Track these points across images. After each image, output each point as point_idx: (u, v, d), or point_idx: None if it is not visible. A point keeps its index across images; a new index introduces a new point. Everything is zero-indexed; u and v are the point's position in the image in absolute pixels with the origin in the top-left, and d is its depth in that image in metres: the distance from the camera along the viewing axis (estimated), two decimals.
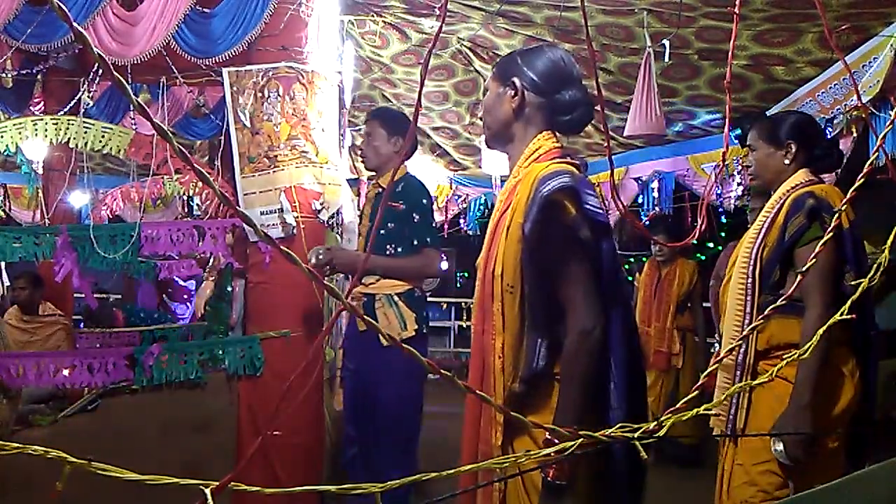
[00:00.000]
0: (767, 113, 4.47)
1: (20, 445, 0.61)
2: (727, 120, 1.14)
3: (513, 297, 1.40)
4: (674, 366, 4.44)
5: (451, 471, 0.80)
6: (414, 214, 2.72)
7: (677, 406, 0.89)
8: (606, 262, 1.43)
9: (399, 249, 2.72)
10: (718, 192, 5.33)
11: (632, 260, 6.53)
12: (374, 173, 2.99)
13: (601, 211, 1.41)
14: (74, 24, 0.54)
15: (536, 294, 1.40)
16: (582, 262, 1.39)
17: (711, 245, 8.06)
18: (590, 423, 1.29)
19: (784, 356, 1.85)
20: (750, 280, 1.96)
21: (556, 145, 1.51)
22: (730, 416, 1.96)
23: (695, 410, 0.92)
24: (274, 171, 2.95)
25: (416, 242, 2.73)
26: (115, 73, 0.55)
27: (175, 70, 3.31)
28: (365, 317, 0.80)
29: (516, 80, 1.53)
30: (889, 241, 0.91)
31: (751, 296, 1.95)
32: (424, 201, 2.79)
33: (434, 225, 2.81)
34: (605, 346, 1.37)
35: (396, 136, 2.84)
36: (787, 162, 2.04)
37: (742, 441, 1.91)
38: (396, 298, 2.69)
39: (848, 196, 1.00)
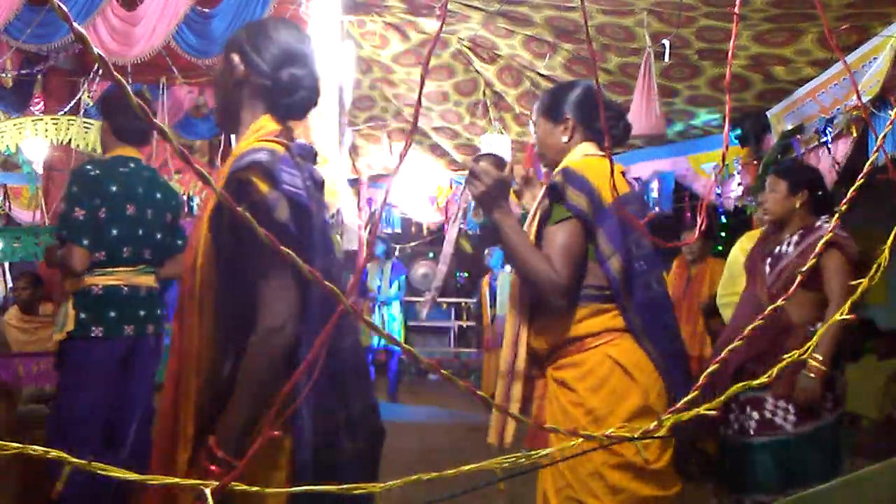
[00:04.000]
0: (767, 113, 4.48)
1: (20, 445, 0.61)
2: (727, 120, 1.14)
3: (210, 292, 1.27)
4: None
5: (452, 471, 0.80)
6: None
7: (677, 406, 0.89)
8: (309, 251, 1.24)
9: None
10: (718, 191, 5.33)
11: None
12: None
13: (302, 192, 1.24)
14: (74, 24, 0.54)
15: (226, 288, 1.26)
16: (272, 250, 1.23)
17: (721, 249, 8.06)
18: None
19: (567, 356, 1.66)
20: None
21: (278, 127, 1.35)
22: (501, 431, 1.74)
23: (694, 411, 0.92)
24: None
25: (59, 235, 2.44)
26: (115, 73, 0.55)
27: (175, 70, 3.31)
28: (365, 317, 0.80)
29: (235, 56, 1.38)
30: (889, 241, 0.91)
31: (521, 290, 1.75)
32: (75, 189, 2.42)
33: (72, 215, 2.37)
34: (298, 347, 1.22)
35: (107, 120, 2.58)
36: (565, 139, 1.82)
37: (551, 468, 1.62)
38: (71, 296, 2.41)
39: (848, 196, 1.00)
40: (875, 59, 3.16)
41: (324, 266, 1.28)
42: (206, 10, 3.13)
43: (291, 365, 1.20)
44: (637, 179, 6.16)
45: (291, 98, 1.38)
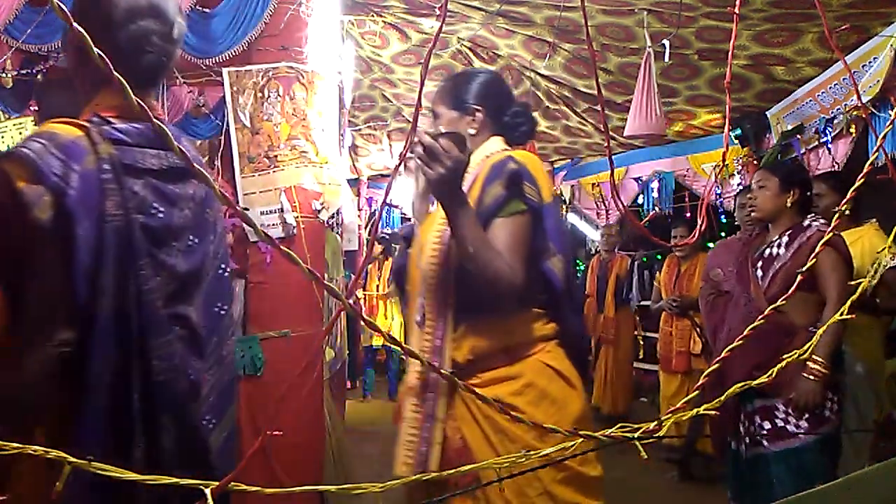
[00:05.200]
0: (767, 113, 4.48)
1: (20, 445, 0.61)
2: (727, 120, 1.14)
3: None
4: (696, 369, 4.18)
5: (451, 471, 0.80)
6: None
7: (677, 406, 0.89)
8: (88, 255, 1.06)
9: None
10: (718, 191, 5.34)
11: (644, 259, 6.46)
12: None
13: (71, 187, 1.06)
14: (74, 24, 0.54)
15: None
16: (33, 256, 1.05)
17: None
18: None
19: (496, 368, 1.50)
20: (444, 270, 1.53)
21: (115, 102, 1.18)
22: (418, 456, 1.49)
23: (694, 411, 0.92)
24: (274, 171, 2.95)
25: None
26: (115, 72, 0.54)
27: (175, 70, 3.31)
28: (365, 317, 0.80)
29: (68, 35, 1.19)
30: (889, 241, 0.91)
31: (443, 289, 1.53)
32: None
33: None
34: (67, 366, 1.04)
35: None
36: (472, 132, 1.64)
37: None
38: None
39: (848, 196, 1.00)
40: (875, 59, 3.16)
41: (120, 269, 1.09)
42: (206, 10, 3.13)
43: (71, 381, 1.06)
44: (637, 179, 6.17)
45: (134, 63, 1.15)
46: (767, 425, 2.40)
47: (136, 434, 1.12)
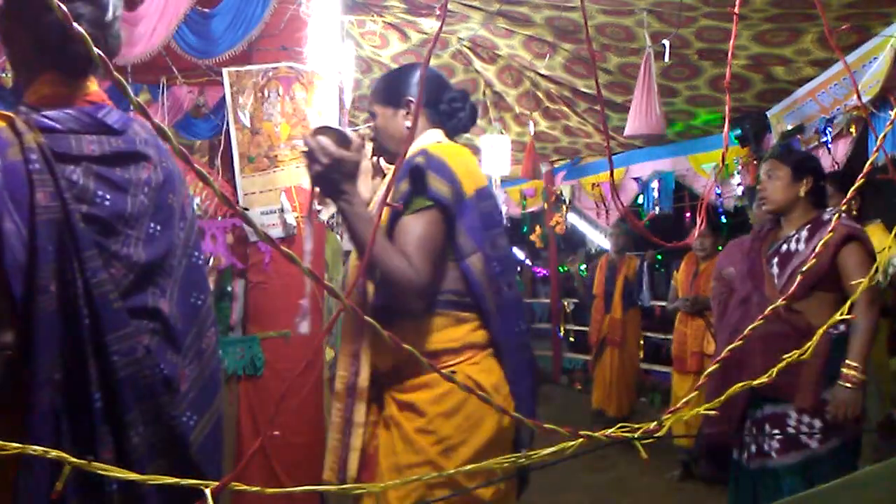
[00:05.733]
0: (767, 113, 4.48)
1: (20, 445, 0.61)
2: (727, 120, 1.14)
3: None
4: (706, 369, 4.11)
5: (452, 471, 0.79)
6: None
7: (678, 406, 0.89)
8: (20, 252, 1.01)
9: None
10: (718, 191, 5.34)
11: (659, 258, 6.40)
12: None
13: None
14: (74, 24, 0.54)
15: None
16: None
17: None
18: None
19: (417, 375, 1.42)
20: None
21: (54, 91, 1.16)
22: (340, 462, 1.44)
23: (694, 410, 0.91)
24: (274, 171, 2.96)
25: None
26: (115, 73, 0.54)
27: (175, 70, 3.31)
28: (366, 317, 0.80)
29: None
30: (889, 241, 0.91)
31: (357, 291, 1.49)
32: None
33: None
34: (13, 369, 1.02)
35: None
36: (408, 125, 1.60)
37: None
38: None
39: (849, 195, 1.00)
40: (875, 59, 3.15)
41: (62, 263, 1.04)
42: (206, 10, 3.13)
43: (20, 383, 1.02)
44: (637, 179, 6.17)
45: (61, 49, 1.09)
46: (778, 434, 2.22)
47: (101, 434, 1.07)
